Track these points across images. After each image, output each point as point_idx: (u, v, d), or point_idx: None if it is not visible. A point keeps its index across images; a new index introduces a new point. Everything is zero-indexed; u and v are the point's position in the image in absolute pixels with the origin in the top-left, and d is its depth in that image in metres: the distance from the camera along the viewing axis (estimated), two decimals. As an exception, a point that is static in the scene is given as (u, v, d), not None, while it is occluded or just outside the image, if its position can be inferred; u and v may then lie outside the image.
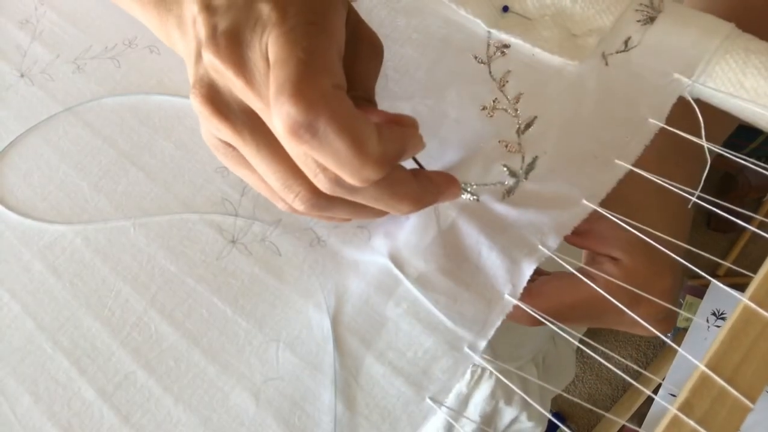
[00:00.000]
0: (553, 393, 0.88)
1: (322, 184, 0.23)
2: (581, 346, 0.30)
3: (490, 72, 0.33)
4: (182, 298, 0.31)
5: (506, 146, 0.31)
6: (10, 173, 0.37)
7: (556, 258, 0.28)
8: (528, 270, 0.28)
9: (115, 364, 0.30)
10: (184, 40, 0.27)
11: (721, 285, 0.28)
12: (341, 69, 0.23)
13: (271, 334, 0.30)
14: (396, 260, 0.29)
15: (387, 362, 0.28)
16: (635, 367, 1.05)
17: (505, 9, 0.34)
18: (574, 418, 1.21)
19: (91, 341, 0.31)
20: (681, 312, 0.31)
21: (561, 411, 1.22)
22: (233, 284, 0.31)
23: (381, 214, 0.28)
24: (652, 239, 0.27)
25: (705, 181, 0.31)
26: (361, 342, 0.29)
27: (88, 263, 0.33)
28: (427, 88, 0.33)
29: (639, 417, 1.12)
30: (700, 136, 0.29)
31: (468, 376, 0.67)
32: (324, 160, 0.21)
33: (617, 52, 0.32)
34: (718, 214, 0.26)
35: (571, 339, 0.27)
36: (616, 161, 0.29)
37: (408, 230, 0.30)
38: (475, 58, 0.33)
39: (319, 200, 0.24)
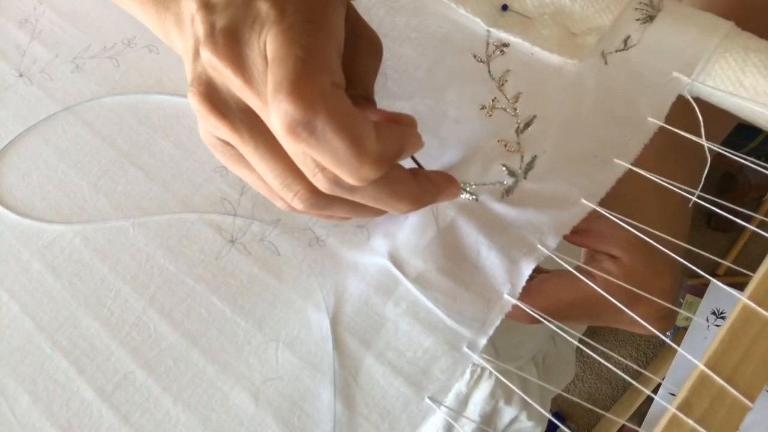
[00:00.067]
0: (553, 392, 0.88)
1: (320, 183, 0.23)
2: (581, 345, 0.30)
3: (489, 71, 0.33)
4: (181, 298, 0.31)
5: (505, 145, 0.31)
6: (9, 173, 0.37)
7: (555, 257, 0.28)
8: (527, 269, 0.28)
9: (114, 363, 0.30)
10: (182, 38, 0.27)
11: (721, 284, 0.28)
12: (340, 67, 0.23)
13: (271, 334, 0.30)
14: (395, 260, 0.29)
15: (386, 362, 0.28)
16: (635, 366, 1.05)
17: (505, 8, 0.34)
18: (573, 418, 1.21)
19: (90, 341, 0.31)
20: (681, 311, 0.31)
21: (561, 410, 1.22)
22: (232, 284, 0.31)
23: (380, 213, 0.28)
24: (651, 238, 0.27)
25: (705, 180, 0.31)
26: (360, 342, 0.28)
27: (87, 263, 0.33)
28: (426, 88, 0.33)
29: (639, 416, 1.12)
30: (699, 135, 0.29)
31: (467, 375, 0.67)
32: (322, 159, 0.21)
33: (616, 51, 0.32)
34: (718, 213, 0.26)
35: (570, 338, 0.27)
36: (616, 160, 0.29)
37: (407, 230, 0.30)
38: (475, 57, 0.33)
39: (318, 199, 0.24)
